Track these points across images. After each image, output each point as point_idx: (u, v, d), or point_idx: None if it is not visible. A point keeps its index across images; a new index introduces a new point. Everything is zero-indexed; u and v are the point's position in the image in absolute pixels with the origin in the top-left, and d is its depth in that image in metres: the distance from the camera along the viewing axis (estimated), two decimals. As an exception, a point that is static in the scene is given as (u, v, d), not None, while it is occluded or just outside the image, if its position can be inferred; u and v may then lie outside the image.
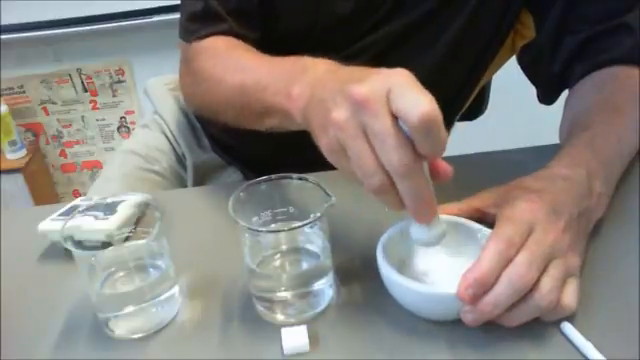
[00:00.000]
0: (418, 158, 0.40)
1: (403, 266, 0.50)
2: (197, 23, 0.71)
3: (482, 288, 0.42)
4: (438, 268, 0.50)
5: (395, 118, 0.40)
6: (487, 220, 0.50)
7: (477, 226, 0.49)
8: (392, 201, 0.43)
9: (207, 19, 0.70)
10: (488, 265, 0.42)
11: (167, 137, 0.90)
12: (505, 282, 0.42)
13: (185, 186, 0.88)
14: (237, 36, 0.69)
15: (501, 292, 0.42)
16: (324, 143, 0.44)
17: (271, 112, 0.54)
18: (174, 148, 0.90)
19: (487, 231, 0.47)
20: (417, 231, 0.45)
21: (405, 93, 0.40)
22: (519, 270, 0.42)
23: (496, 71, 0.85)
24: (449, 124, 0.91)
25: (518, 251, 0.43)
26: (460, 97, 0.83)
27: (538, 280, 0.43)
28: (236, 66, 0.62)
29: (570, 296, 0.44)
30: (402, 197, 0.42)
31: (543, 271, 0.43)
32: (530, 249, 0.43)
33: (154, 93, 0.96)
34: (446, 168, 0.44)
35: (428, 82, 0.56)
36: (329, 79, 0.47)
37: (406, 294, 0.46)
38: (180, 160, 0.89)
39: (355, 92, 0.41)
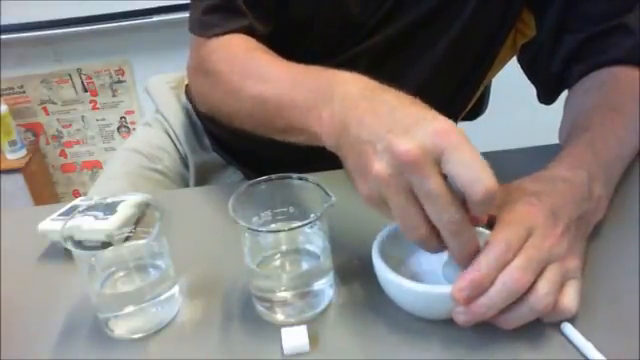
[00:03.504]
0: (467, 213, 0.42)
1: (400, 265, 0.50)
2: (216, 17, 0.67)
3: (477, 290, 0.42)
4: (435, 268, 0.50)
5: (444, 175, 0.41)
6: (486, 221, 0.50)
7: (476, 227, 0.49)
8: (431, 247, 0.44)
9: (227, 12, 0.67)
10: (485, 268, 0.42)
11: (169, 136, 0.90)
12: (499, 285, 0.42)
13: (187, 185, 0.88)
14: (253, 32, 0.67)
15: (494, 295, 0.42)
16: (363, 190, 0.44)
17: (297, 131, 0.52)
18: (176, 147, 0.89)
19: (486, 232, 0.47)
20: (451, 271, 0.47)
21: (464, 161, 0.40)
22: (514, 274, 0.42)
23: (499, 70, 0.85)
24: None
25: (515, 255, 0.43)
26: (462, 97, 0.83)
27: (535, 283, 0.43)
28: (256, 74, 0.59)
29: (570, 298, 0.44)
30: (450, 249, 0.43)
31: (540, 274, 0.43)
32: (527, 253, 0.43)
33: (156, 92, 0.95)
34: (481, 220, 0.45)
35: (429, 81, 0.56)
36: (365, 110, 0.45)
37: (400, 292, 0.47)
38: (182, 159, 0.89)
39: (402, 151, 0.40)
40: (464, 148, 0.40)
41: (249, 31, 0.66)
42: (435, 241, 0.43)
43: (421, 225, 0.42)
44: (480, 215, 0.43)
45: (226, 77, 0.62)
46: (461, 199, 0.41)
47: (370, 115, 0.44)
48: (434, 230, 0.43)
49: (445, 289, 0.43)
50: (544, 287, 0.43)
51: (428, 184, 0.40)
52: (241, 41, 0.65)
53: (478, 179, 0.40)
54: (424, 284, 0.45)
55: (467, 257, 0.43)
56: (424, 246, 0.44)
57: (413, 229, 0.43)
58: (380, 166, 0.42)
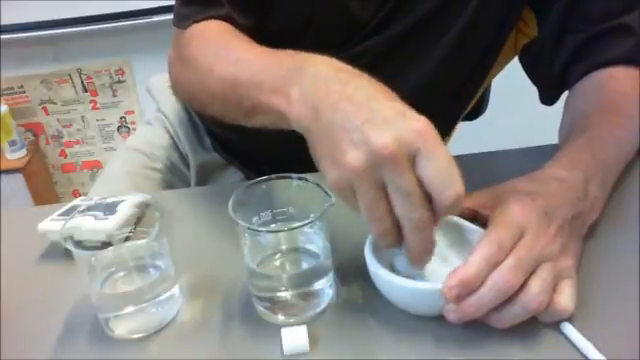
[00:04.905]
0: (432, 213, 0.42)
1: (393, 262, 0.50)
2: (192, 8, 0.67)
3: (467, 289, 0.42)
4: (428, 265, 0.50)
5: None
6: (480, 220, 0.50)
7: (470, 226, 0.50)
8: (391, 243, 0.44)
9: (203, 3, 0.67)
10: (476, 268, 0.42)
11: (170, 135, 0.90)
12: (490, 285, 0.42)
13: (188, 184, 0.88)
14: (233, 22, 0.67)
15: (484, 294, 0.42)
16: (333, 179, 0.44)
17: (264, 111, 0.52)
18: (177, 146, 0.90)
19: (480, 231, 0.48)
20: (402, 264, 0.48)
21: (437, 165, 0.40)
22: (505, 274, 0.42)
23: (500, 70, 0.85)
24: (453, 124, 0.91)
25: (507, 255, 0.43)
26: (464, 97, 0.83)
27: (527, 282, 0.43)
28: (228, 56, 0.59)
29: (566, 297, 0.44)
30: (409, 246, 0.44)
31: (532, 274, 0.44)
32: (519, 254, 0.43)
33: (157, 91, 0.96)
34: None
35: (430, 81, 0.55)
36: (340, 95, 0.44)
37: (391, 289, 0.47)
38: (183, 158, 0.89)
39: (380, 145, 0.40)
40: (438, 151, 0.40)
41: (227, 20, 0.66)
42: (395, 236, 0.44)
43: (386, 219, 0.42)
44: (443, 216, 0.43)
45: (200, 61, 0.62)
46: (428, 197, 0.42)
47: (346, 101, 0.43)
48: (395, 225, 0.43)
49: (436, 286, 0.43)
50: (536, 286, 0.43)
51: (402, 181, 0.40)
52: (216, 26, 0.66)
53: (449, 185, 0.40)
54: (415, 280, 0.45)
55: (424, 254, 0.44)
56: (382, 241, 0.44)
57: (377, 222, 0.43)
58: (355, 157, 0.41)
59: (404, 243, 0.44)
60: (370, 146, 0.40)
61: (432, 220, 0.42)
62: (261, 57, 0.55)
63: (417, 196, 0.41)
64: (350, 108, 0.43)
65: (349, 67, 0.47)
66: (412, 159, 0.41)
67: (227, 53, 0.60)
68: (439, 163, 0.40)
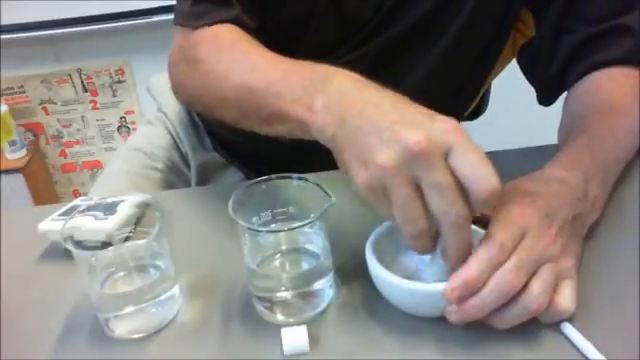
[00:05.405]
0: (470, 209, 0.42)
1: (394, 263, 0.50)
2: (203, 7, 0.66)
3: (469, 291, 0.42)
4: (429, 266, 0.50)
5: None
6: (481, 221, 0.50)
7: (471, 227, 0.49)
8: (426, 246, 0.44)
9: (215, 3, 0.66)
10: (478, 269, 0.42)
11: (171, 135, 0.90)
12: (492, 287, 0.42)
13: (188, 184, 0.88)
14: (242, 25, 0.66)
15: (486, 296, 0.42)
16: (363, 180, 0.43)
17: (284, 120, 0.51)
18: (178, 146, 0.90)
19: (481, 232, 0.48)
20: (429, 274, 0.47)
21: (471, 159, 0.40)
22: (507, 275, 0.42)
23: (500, 71, 0.85)
24: None
25: (509, 256, 0.43)
26: (464, 98, 0.83)
27: (528, 283, 0.43)
28: (244, 64, 0.58)
29: (567, 298, 0.44)
30: (447, 246, 0.43)
31: (534, 275, 0.44)
32: (520, 255, 0.43)
33: (157, 91, 0.95)
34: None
35: (431, 82, 0.55)
36: (366, 103, 0.44)
37: (392, 290, 0.47)
38: (184, 158, 0.89)
39: (411, 141, 0.40)
40: (471, 146, 0.41)
41: (236, 23, 0.66)
42: (430, 239, 0.44)
43: (421, 219, 0.42)
44: (477, 213, 0.43)
45: (211, 66, 0.61)
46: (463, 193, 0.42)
47: (372, 108, 0.44)
48: (430, 227, 0.43)
49: (437, 287, 0.43)
50: (537, 287, 0.43)
51: (438, 176, 0.40)
52: (228, 31, 0.65)
53: (485, 178, 0.40)
54: (416, 282, 0.45)
55: (462, 254, 0.44)
56: (418, 243, 0.44)
57: (413, 222, 0.43)
58: (386, 156, 0.41)
59: (434, 251, 0.45)
60: (402, 144, 0.40)
61: (469, 216, 0.42)
62: (278, 65, 0.55)
63: (453, 190, 0.41)
64: (377, 114, 0.43)
65: (371, 82, 0.48)
66: (445, 157, 0.41)
67: (242, 60, 0.59)
68: (473, 157, 0.40)
